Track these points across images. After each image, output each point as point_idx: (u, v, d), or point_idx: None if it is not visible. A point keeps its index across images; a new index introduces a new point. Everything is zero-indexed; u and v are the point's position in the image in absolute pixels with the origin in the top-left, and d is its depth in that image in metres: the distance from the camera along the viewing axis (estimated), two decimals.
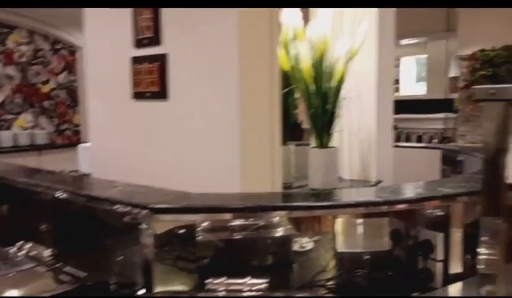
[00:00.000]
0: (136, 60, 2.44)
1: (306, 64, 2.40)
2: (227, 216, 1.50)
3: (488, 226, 1.25)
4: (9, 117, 6.85)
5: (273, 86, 2.09)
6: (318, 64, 2.45)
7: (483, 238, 1.26)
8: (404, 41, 8.99)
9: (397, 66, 9.61)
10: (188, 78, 2.21)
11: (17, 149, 6.58)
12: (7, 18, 6.54)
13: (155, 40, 2.33)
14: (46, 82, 7.17)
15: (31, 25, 6.83)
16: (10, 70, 6.81)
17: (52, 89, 7.23)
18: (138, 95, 2.45)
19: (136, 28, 2.42)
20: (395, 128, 8.33)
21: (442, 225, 1.64)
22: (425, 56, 9.20)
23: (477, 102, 1.20)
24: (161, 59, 2.30)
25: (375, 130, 2.83)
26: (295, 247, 1.82)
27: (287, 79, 2.58)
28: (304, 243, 1.89)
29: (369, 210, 1.68)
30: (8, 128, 6.78)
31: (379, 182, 2.84)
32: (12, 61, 6.82)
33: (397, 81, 9.60)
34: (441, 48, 8.47)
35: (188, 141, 2.21)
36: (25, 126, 6.99)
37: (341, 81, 2.49)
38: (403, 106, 7.61)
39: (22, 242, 1.92)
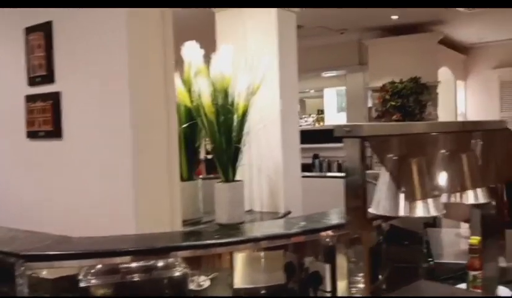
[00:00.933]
0: (30, 99, 2.35)
1: (207, 100, 2.42)
2: (108, 260, 1.45)
3: (356, 253, 1.30)
4: None
5: (169, 122, 2.08)
6: (219, 100, 2.48)
7: (352, 267, 1.30)
8: (326, 74, 9.37)
9: (321, 97, 9.97)
10: (82, 116, 2.15)
11: None
12: None
13: (48, 78, 2.27)
14: None
15: None
16: None
17: None
18: (32, 135, 2.35)
19: (28, 66, 2.34)
20: (316, 157, 8.57)
21: (330, 256, 1.68)
22: (345, 87, 9.62)
23: (337, 139, 1.26)
24: (54, 98, 2.23)
25: (281, 161, 2.89)
26: (192, 286, 1.80)
27: (192, 114, 2.59)
28: (201, 281, 1.87)
29: (260, 245, 1.69)
30: None
31: (287, 213, 2.88)
32: None
33: (321, 111, 9.93)
34: (359, 80, 8.88)
35: (83, 181, 2.13)
36: None
37: (243, 116, 2.53)
38: (328, 135, 7.83)
39: None
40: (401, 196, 1.32)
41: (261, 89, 2.63)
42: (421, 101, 7.01)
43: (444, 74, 7.96)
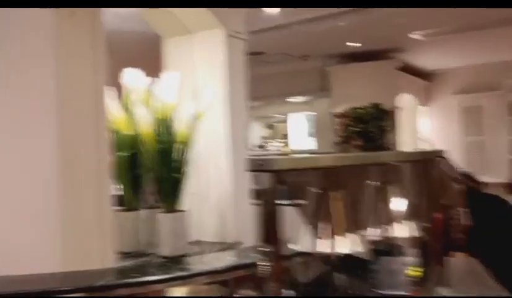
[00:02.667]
0: None
1: (146, 128, 2.36)
2: None
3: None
4: None
5: (99, 152, 2.00)
6: (161, 129, 2.42)
7: None
8: (291, 99, 9.44)
9: (285, 121, 10.03)
10: (4, 139, 2.04)
11: None
12: None
13: None
14: None
15: None
16: None
17: None
18: None
19: None
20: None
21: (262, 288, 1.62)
22: (314, 113, 9.70)
23: (250, 172, 1.21)
24: None
25: (230, 189, 2.83)
26: None
27: (133, 142, 2.52)
28: None
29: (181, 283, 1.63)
30: None
31: (236, 243, 2.81)
32: None
33: (285, 136, 9.98)
34: (325, 106, 8.99)
35: (4, 218, 2.02)
36: None
37: (186, 144, 2.47)
38: None
39: None
40: (321, 231, 1.29)
41: (208, 116, 2.59)
42: (381, 126, 7.10)
43: (405, 100, 8.11)
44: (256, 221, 1.25)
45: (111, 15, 2.25)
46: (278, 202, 1.18)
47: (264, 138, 10.38)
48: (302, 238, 1.30)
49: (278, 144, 10.08)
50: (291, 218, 1.31)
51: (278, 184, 1.17)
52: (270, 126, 10.50)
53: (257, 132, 10.12)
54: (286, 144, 9.89)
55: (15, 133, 2.03)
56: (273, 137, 10.39)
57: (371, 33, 6.32)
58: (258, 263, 1.37)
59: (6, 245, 1.98)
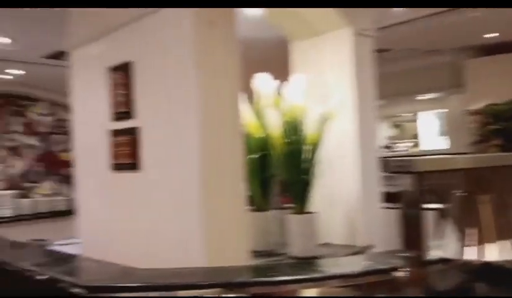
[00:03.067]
0: (113, 133, 2.51)
1: (276, 131, 2.42)
2: (168, 293, 1.47)
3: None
4: (30, 185, 7.08)
5: (235, 153, 2.10)
6: (290, 131, 2.46)
7: None
8: (421, 97, 8.94)
9: (413, 120, 9.52)
10: (156, 150, 2.25)
11: (36, 216, 6.77)
12: (29, 91, 6.93)
13: (128, 114, 2.41)
14: (66, 150, 7.45)
15: (52, 98, 7.20)
16: (33, 140, 7.12)
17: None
18: (115, 167, 2.50)
19: (113, 103, 2.52)
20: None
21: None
22: (445, 110, 9.09)
23: (389, 173, 1.17)
24: (134, 132, 2.36)
25: (360, 192, 2.78)
26: None
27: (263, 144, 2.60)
28: None
29: (324, 284, 1.63)
30: (28, 196, 7.00)
31: (367, 247, 2.74)
32: (34, 132, 7.15)
33: (414, 136, 9.47)
34: (458, 103, 8.36)
35: (155, 213, 2.22)
36: (45, 194, 7.20)
37: (315, 147, 2.48)
38: None
39: None
40: (468, 237, 1.20)
41: (337, 117, 2.57)
42: None
43: None
44: (397, 226, 1.20)
45: (241, 23, 2.36)
46: (421, 205, 1.13)
47: (392, 138, 9.97)
48: (446, 244, 1.22)
49: (406, 144, 9.62)
50: (433, 222, 1.24)
51: (419, 186, 1.12)
52: (397, 126, 10.05)
53: (384, 132, 9.76)
54: (416, 145, 9.39)
55: (162, 139, 2.22)
56: (400, 137, 9.93)
57: (510, 23, 5.73)
58: (398, 269, 1.32)
59: (155, 240, 2.18)
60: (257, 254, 2.53)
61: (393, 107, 8.84)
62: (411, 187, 1.11)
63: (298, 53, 3.04)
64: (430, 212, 1.19)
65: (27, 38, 4.17)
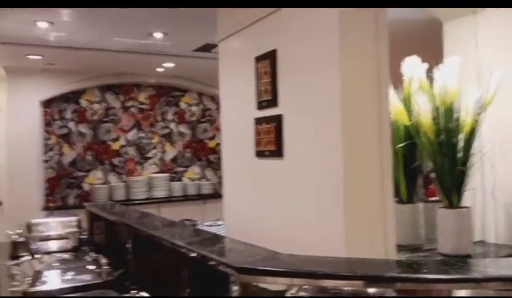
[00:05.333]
0: (257, 121, 2.58)
1: (427, 117, 2.25)
2: (310, 281, 1.47)
3: None
4: (180, 169, 7.69)
5: (382, 142, 2.00)
6: (442, 118, 2.27)
7: None
8: None
9: None
10: (299, 137, 2.25)
11: (186, 198, 7.35)
12: (179, 83, 7.50)
13: (272, 102, 2.45)
14: (212, 138, 7.92)
15: (199, 88, 7.70)
16: (183, 128, 7.72)
17: (217, 144, 7.95)
18: (259, 154, 2.57)
19: (257, 91, 2.58)
20: None
21: None
22: None
23: None
24: (277, 120, 2.40)
25: None
26: None
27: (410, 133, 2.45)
28: None
29: (487, 286, 1.48)
30: (179, 180, 7.61)
31: None
32: (184, 120, 7.73)
33: None
34: None
35: (297, 200, 2.22)
36: (193, 178, 7.77)
37: (471, 134, 2.26)
38: None
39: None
40: None
41: (497, 103, 2.31)
42: None
43: None
44: None
45: None
46: None
47: None
48: None
49: None
50: None
51: None
52: None
53: None
54: None
55: (304, 127, 2.21)
56: None
57: None
58: None
59: (295, 227, 2.19)
60: (402, 248, 2.40)
61: None
62: None
63: (451, 33, 2.79)
64: None
65: (179, 33, 4.48)
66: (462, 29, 2.72)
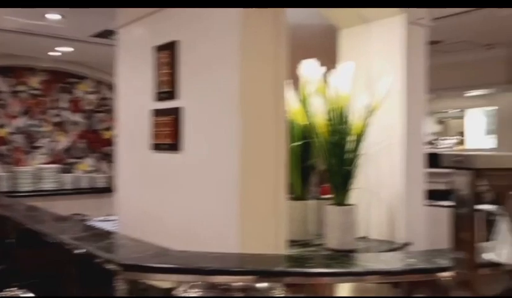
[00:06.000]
0: (155, 113, 2.51)
1: (321, 119, 2.35)
2: (198, 277, 1.46)
3: None
4: (73, 160, 7.28)
5: (278, 140, 2.05)
6: (335, 119, 2.38)
7: None
8: (470, 93, 8.59)
9: (459, 117, 9.19)
10: (197, 132, 2.23)
11: (78, 191, 6.96)
12: (76, 69, 7.09)
13: (172, 94, 2.40)
14: (108, 129, 7.60)
15: (97, 76, 7.35)
16: (78, 117, 7.30)
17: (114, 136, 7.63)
18: (156, 147, 2.51)
19: (157, 82, 2.51)
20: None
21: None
22: (495, 107, 8.72)
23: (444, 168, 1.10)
24: (176, 113, 2.35)
25: (403, 186, 2.68)
26: None
27: (306, 132, 2.54)
28: None
29: (363, 280, 1.57)
30: (71, 172, 7.19)
31: (406, 244, 2.65)
32: (79, 109, 7.32)
33: (460, 133, 9.15)
34: (510, 100, 7.99)
35: (193, 195, 2.20)
36: (86, 170, 7.39)
37: (359, 136, 2.40)
38: None
39: None
40: None
41: (384, 108, 2.48)
42: None
43: None
44: (443, 224, 1.13)
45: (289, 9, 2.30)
46: (475, 204, 1.05)
47: (436, 134, 9.68)
48: (499, 247, 1.14)
49: (450, 141, 9.31)
50: (487, 224, 1.15)
51: (475, 184, 1.04)
52: (441, 122, 9.74)
53: (428, 128, 9.48)
54: (461, 142, 9.07)
55: (203, 121, 2.20)
56: (444, 134, 9.62)
57: None
58: (445, 269, 1.25)
59: (190, 223, 2.17)
60: (293, 243, 2.49)
61: (440, 102, 8.54)
62: (466, 185, 1.03)
63: (346, 40, 2.94)
64: (484, 212, 1.11)
65: (76, 16, 4.23)
66: (355, 37, 2.88)
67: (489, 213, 1.21)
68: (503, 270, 1.52)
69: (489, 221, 1.17)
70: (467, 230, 1.05)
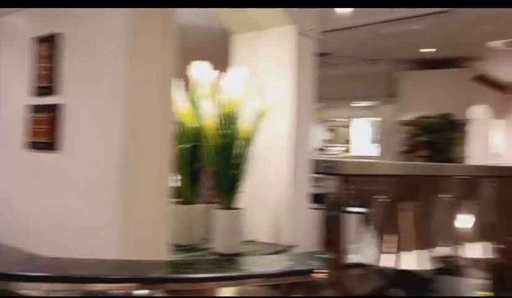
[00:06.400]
0: (33, 109, 2.33)
1: (210, 122, 2.34)
2: (65, 286, 1.37)
3: None
4: None
5: (162, 143, 2.00)
6: (225, 123, 2.40)
7: None
8: (355, 104, 9.20)
9: (347, 126, 9.80)
10: (79, 131, 2.11)
11: None
12: None
13: (52, 90, 2.24)
14: None
15: None
16: None
17: None
18: (32, 146, 2.33)
19: (35, 77, 2.33)
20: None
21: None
22: (379, 119, 9.41)
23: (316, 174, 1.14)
24: (55, 110, 2.20)
25: (289, 191, 2.76)
26: None
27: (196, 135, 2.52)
28: None
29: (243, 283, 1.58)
30: None
31: (291, 247, 2.74)
32: None
33: (347, 141, 9.76)
34: (391, 112, 8.69)
35: (72, 198, 2.08)
36: None
37: (248, 141, 2.44)
38: None
39: None
40: (387, 244, 1.19)
41: (273, 115, 2.54)
42: (451, 138, 6.74)
43: (478, 111, 7.67)
44: (318, 227, 1.17)
45: (183, 10, 2.26)
46: (344, 208, 1.10)
47: (326, 141, 10.23)
48: (364, 249, 1.21)
49: (338, 148, 9.90)
50: (355, 226, 1.22)
51: (343, 188, 1.09)
52: (332, 130, 10.32)
53: (318, 135, 9.97)
54: (347, 150, 9.67)
55: (85, 120, 2.08)
56: (334, 141, 10.20)
57: (447, 39, 6.00)
58: (316, 270, 1.29)
59: (68, 227, 2.04)
60: (180, 248, 2.45)
61: (329, 111, 9.04)
62: (335, 189, 1.09)
63: (238, 46, 2.98)
64: (352, 215, 1.17)
65: None
66: (248, 43, 2.93)
67: (357, 217, 1.29)
68: (370, 270, 1.63)
69: (357, 225, 1.24)
70: (335, 232, 1.10)
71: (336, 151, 9.90)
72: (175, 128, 2.35)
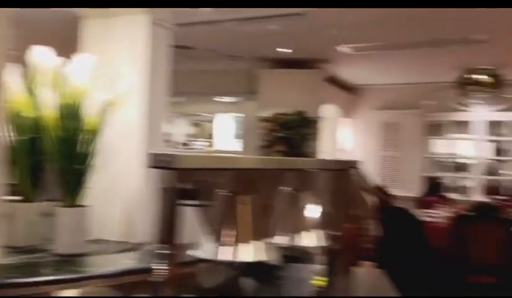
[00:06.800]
0: None
1: (50, 112, 2.15)
2: None
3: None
4: None
5: None
6: (67, 114, 2.22)
7: None
8: (218, 99, 9.33)
9: (211, 121, 9.91)
10: None
11: None
12: None
13: None
14: None
15: None
16: None
17: None
18: None
19: None
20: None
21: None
22: (241, 114, 9.65)
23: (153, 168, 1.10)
24: None
25: (140, 186, 2.67)
26: None
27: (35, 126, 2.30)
28: None
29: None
30: None
31: (140, 244, 2.64)
32: None
33: (211, 136, 9.87)
34: (253, 109, 8.99)
35: None
36: None
37: (95, 134, 2.29)
38: None
39: None
40: (224, 238, 1.19)
41: (123, 106, 2.42)
42: (304, 134, 7.20)
43: (329, 110, 8.31)
44: (155, 221, 1.13)
45: None
46: (180, 202, 1.08)
47: (190, 136, 10.21)
48: (203, 243, 1.20)
49: (203, 143, 9.95)
50: (194, 221, 1.20)
51: (182, 182, 1.07)
52: (196, 125, 10.34)
53: (182, 129, 9.91)
54: (211, 144, 9.77)
55: None
56: (199, 136, 10.24)
57: (301, 42, 6.37)
58: (153, 267, 1.25)
59: None
60: (18, 250, 2.22)
61: (193, 105, 9.04)
62: (172, 183, 1.05)
63: (88, 32, 2.79)
64: (190, 209, 1.15)
65: None
66: (99, 30, 2.76)
67: (197, 211, 1.27)
68: (207, 264, 1.65)
69: (197, 219, 1.22)
70: (170, 227, 1.07)
71: (200, 146, 9.95)
72: (9, 118, 2.11)
